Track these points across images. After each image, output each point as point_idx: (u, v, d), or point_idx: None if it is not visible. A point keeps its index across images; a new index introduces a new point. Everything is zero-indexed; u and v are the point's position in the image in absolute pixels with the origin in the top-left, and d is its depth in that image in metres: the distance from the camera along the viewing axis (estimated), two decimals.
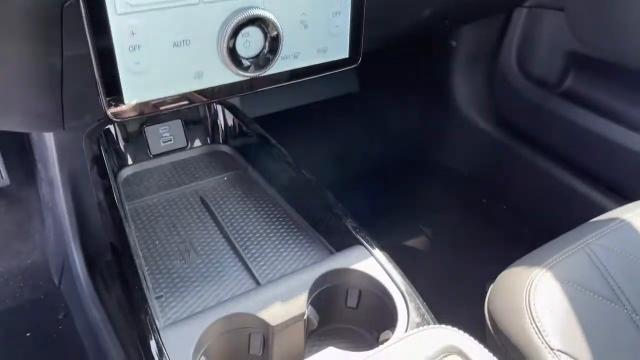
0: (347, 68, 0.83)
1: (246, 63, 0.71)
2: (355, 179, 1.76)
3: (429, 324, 0.74)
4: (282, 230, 0.96)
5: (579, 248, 0.87)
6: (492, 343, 0.80)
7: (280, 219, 0.98)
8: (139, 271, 0.79)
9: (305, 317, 0.79)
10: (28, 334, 1.26)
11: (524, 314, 0.76)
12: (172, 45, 0.67)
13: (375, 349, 0.62)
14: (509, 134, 1.66)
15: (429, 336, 0.63)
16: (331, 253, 0.91)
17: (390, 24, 1.18)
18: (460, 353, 0.61)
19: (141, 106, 0.68)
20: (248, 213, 0.99)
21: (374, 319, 0.84)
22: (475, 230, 1.64)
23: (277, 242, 0.93)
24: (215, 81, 0.71)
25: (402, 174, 1.84)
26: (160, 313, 0.81)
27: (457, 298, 1.28)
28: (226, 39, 0.68)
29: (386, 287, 0.81)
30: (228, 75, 0.71)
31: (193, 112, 1.11)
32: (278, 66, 0.75)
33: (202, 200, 1.02)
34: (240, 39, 0.70)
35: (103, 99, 0.66)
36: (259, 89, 0.76)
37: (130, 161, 1.07)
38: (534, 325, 0.74)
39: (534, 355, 0.71)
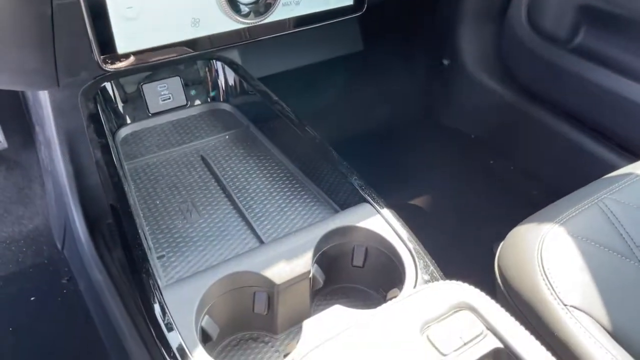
0: (351, 16, 0.79)
1: (245, 9, 0.67)
2: (359, 140, 1.73)
3: (437, 281, 0.72)
4: (285, 189, 0.93)
5: (592, 203, 0.84)
6: (502, 300, 0.79)
7: (284, 178, 0.95)
8: (139, 230, 0.77)
9: (310, 275, 0.77)
10: (32, 299, 1.25)
11: (535, 269, 0.74)
12: None
13: (383, 305, 0.60)
14: (517, 92, 1.62)
15: (439, 292, 0.61)
16: (336, 211, 0.89)
17: None
18: (471, 308, 0.59)
19: (135, 55, 0.65)
20: (250, 172, 0.96)
21: (381, 277, 0.82)
22: (482, 191, 1.61)
23: (280, 201, 0.91)
24: (213, 29, 0.68)
25: (407, 134, 1.80)
26: (163, 273, 0.79)
27: (465, 258, 1.26)
28: None
29: (393, 245, 0.79)
30: (226, 23, 0.68)
31: (192, 69, 1.07)
32: (279, 13, 0.71)
33: (203, 159, 0.99)
34: None
35: (95, 47, 0.62)
36: (259, 38, 0.72)
37: (128, 120, 1.04)
38: (546, 281, 0.72)
39: (546, 311, 0.70)
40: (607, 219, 0.81)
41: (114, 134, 1.00)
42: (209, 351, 0.74)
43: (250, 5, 0.68)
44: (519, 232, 0.83)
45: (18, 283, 1.28)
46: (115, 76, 0.97)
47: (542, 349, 0.56)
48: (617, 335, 0.67)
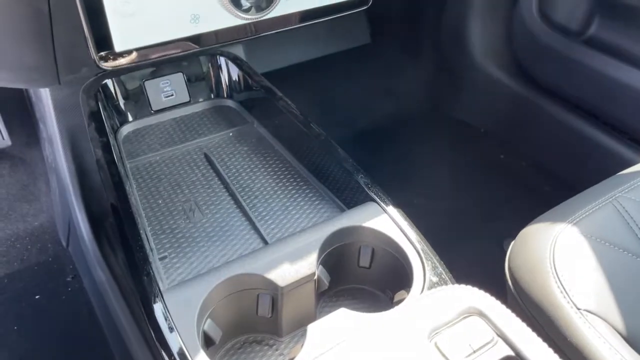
0: (358, 10, 0.77)
1: (246, 4, 0.65)
2: (366, 134, 1.71)
3: (446, 284, 0.69)
4: (290, 188, 0.91)
5: (606, 202, 0.82)
6: (513, 303, 0.76)
7: (289, 176, 0.93)
8: (141, 231, 0.75)
9: (315, 277, 0.75)
10: (37, 297, 1.25)
11: (547, 271, 0.72)
12: None
13: (391, 310, 0.58)
14: (528, 85, 1.58)
15: (448, 297, 0.59)
16: (342, 210, 0.87)
17: None
18: (480, 314, 0.57)
19: (133, 53, 0.63)
20: (255, 170, 0.95)
21: (388, 278, 0.80)
22: (492, 187, 1.58)
23: (285, 200, 0.89)
24: (213, 25, 0.66)
25: (415, 128, 1.78)
26: (165, 274, 0.78)
27: (474, 257, 1.24)
28: None
29: (400, 246, 0.77)
30: (226, 19, 0.65)
31: (195, 65, 1.05)
32: (281, 8, 0.69)
33: (207, 157, 0.97)
34: None
35: (91, 45, 0.60)
36: (262, 34, 0.70)
37: (130, 118, 1.02)
38: (558, 283, 0.70)
39: (558, 315, 0.67)
40: (622, 218, 0.79)
41: (115, 131, 0.98)
42: (212, 355, 0.73)
43: (251, 0, 0.66)
44: (530, 231, 0.81)
45: (23, 281, 1.28)
46: (117, 73, 0.96)
47: (555, 356, 0.54)
48: (632, 341, 0.65)
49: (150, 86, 1.02)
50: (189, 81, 1.06)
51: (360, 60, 1.82)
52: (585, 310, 0.67)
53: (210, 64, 1.07)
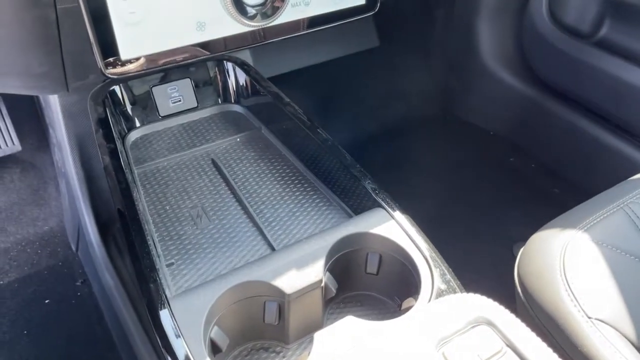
0: (364, 16, 0.76)
1: (252, 11, 0.65)
2: (375, 137, 1.70)
3: (454, 292, 0.69)
4: (297, 193, 0.91)
5: (617, 208, 0.80)
6: (522, 311, 0.75)
7: (296, 182, 0.93)
8: (148, 238, 0.75)
9: (322, 284, 0.75)
10: (47, 301, 1.25)
11: (557, 279, 0.71)
12: None
13: (398, 318, 0.58)
14: (538, 87, 1.57)
15: (456, 305, 0.58)
16: (349, 216, 0.86)
17: None
18: (489, 323, 0.56)
19: (139, 60, 0.63)
20: (262, 176, 0.94)
21: (395, 285, 0.79)
22: (502, 190, 1.57)
23: (292, 206, 0.89)
24: (219, 32, 0.66)
25: (424, 131, 1.77)
26: (172, 281, 0.78)
27: (484, 262, 1.23)
28: None
29: (408, 252, 0.76)
30: (232, 26, 0.65)
31: (202, 70, 1.05)
32: (287, 15, 0.68)
33: (214, 163, 0.97)
34: None
35: (97, 54, 0.60)
36: (267, 41, 0.70)
37: (138, 123, 1.02)
38: (569, 291, 0.69)
39: (569, 324, 0.66)
40: (633, 224, 0.78)
41: (123, 137, 0.99)
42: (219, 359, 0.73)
43: (257, 8, 0.66)
44: (540, 238, 0.80)
45: (33, 285, 1.28)
46: (125, 79, 0.96)
47: None
48: None
49: (158, 92, 1.02)
50: (197, 87, 1.06)
51: (368, 64, 1.82)
52: (596, 319, 0.66)
53: (217, 70, 1.07)
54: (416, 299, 0.71)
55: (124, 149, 0.96)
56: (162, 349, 0.66)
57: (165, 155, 0.97)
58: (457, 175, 1.63)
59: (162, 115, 1.03)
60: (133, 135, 1.01)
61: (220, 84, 1.08)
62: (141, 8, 0.59)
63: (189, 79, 1.04)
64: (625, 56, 1.33)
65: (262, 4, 0.66)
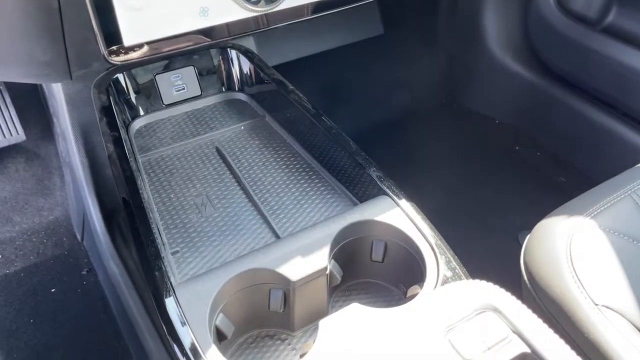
0: (368, 1, 0.75)
1: None
2: (379, 126, 1.69)
3: (460, 279, 0.68)
4: (302, 181, 0.91)
5: (625, 194, 0.80)
6: (528, 298, 0.75)
7: (301, 170, 0.93)
8: (153, 226, 0.75)
9: (327, 271, 0.75)
10: (53, 290, 1.26)
11: (564, 266, 0.70)
12: None
13: (404, 305, 0.57)
14: (544, 75, 1.55)
15: (462, 292, 0.58)
16: (354, 204, 0.86)
17: None
18: (495, 310, 0.56)
19: (143, 47, 0.62)
20: (266, 164, 0.94)
21: (401, 273, 0.79)
22: (507, 179, 1.56)
23: (297, 194, 0.88)
24: (223, 18, 0.65)
25: (429, 120, 1.76)
26: (177, 269, 0.78)
27: (489, 250, 1.23)
28: None
29: (413, 240, 0.76)
30: (236, 11, 0.65)
31: (206, 58, 1.05)
32: (291, 0, 0.68)
33: (218, 151, 0.97)
34: None
35: (100, 40, 0.60)
36: (273, 26, 0.69)
37: (142, 112, 1.02)
38: (575, 278, 0.68)
39: (575, 311, 0.66)
40: None
41: (127, 125, 0.98)
42: (224, 349, 0.73)
43: None
44: (546, 225, 0.79)
45: (39, 275, 1.29)
46: (128, 67, 0.95)
47: (572, 353, 0.53)
48: None
49: (162, 80, 1.01)
50: (200, 75, 1.05)
51: (373, 52, 1.80)
52: (603, 305, 0.65)
53: (221, 57, 1.06)
54: (421, 287, 0.71)
55: (128, 137, 0.95)
56: (168, 337, 0.66)
57: (170, 144, 0.97)
58: (462, 164, 1.62)
59: (165, 103, 1.03)
60: (137, 124, 1.01)
61: (224, 72, 1.07)
62: None
63: (192, 67, 1.04)
64: (633, 43, 1.32)
65: None
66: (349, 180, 0.88)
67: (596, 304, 0.65)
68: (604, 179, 0.87)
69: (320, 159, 0.93)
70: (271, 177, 0.91)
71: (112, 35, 0.60)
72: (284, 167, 0.93)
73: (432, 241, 0.75)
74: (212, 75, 1.07)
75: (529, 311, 0.56)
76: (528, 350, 0.53)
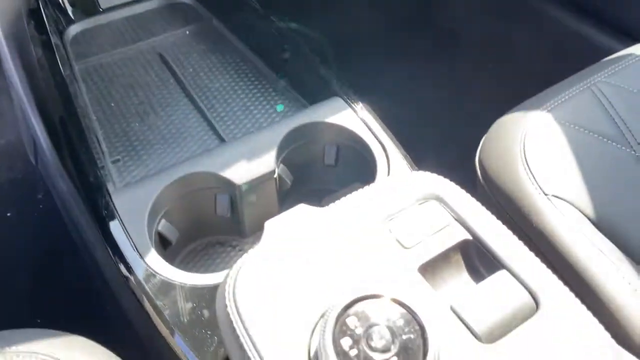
0: None
1: None
2: (344, 41, 1.62)
3: (403, 173, 0.66)
4: (251, 86, 0.86)
5: (585, 87, 0.77)
6: (482, 194, 0.73)
7: (249, 74, 0.88)
8: (90, 134, 0.71)
9: (275, 175, 0.72)
10: (9, 214, 1.22)
11: (517, 159, 0.68)
12: None
13: (342, 198, 0.55)
14: None
15: (405, 183, 0.55)
16: (305, 107, 0.82)
17: None
18: (438, 199, 0.54)
19: None
20: (213, 69, 0.89)
21: (354, 176, 0.77)
22: (469, 85, 1.52)
23: (245, 100, 0.84)
24: None
25: (395, 35, 1.68)
26: (118, 177, 0.74)
27: (450, 158, 1.20)
28: None
29: (365, 140, 0.73)
30: None
31: None
32: None
33: (161, 57, 0.91)
34: None
35: None
36: None
37: (78, 17, 0.94)
38: (527, 170, 0.66)
39: (526, 202, 0.64)
40: (599, 103, 0.74)
41: (61, 32, 0.91)
42: (172, 257, 0.71)
43: None
44: (503, 122, 0.77)
45: None
46: None
47: (515, 239, 0.51)
48: (603, 226, 0.62)
49: None
50: None
51: None
52: (553, 196, 0.64)
53: None
54: None
55: (62, 44, 0.89)
56: (106, 244, 0.64)
57: (109, 50, 0.91)
58: (425, 75, 1.57)
59: (103, 7, 0.95)
60: (73, 30, 0.93)
61: None
62: None
63: None
64: None
65: None
66: (300, 83, 0.84)
67: (546, 194, 0.64)
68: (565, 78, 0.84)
69: (270, 62, 0.88)
70: (218, 83, 0.86)
71: None
72: (231, 72, 0.88)
73: (384, 140, 0.72)
74: None
75: (473, 199, 0.54)
76: (470, 237, 0.51)
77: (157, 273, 0.59)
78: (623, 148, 0.69)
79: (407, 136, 0.79)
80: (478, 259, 0.51)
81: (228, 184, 0.69)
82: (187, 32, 0.95)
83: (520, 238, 0.51)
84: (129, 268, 0.60)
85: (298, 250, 0.50)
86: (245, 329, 0.45)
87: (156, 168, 0.75)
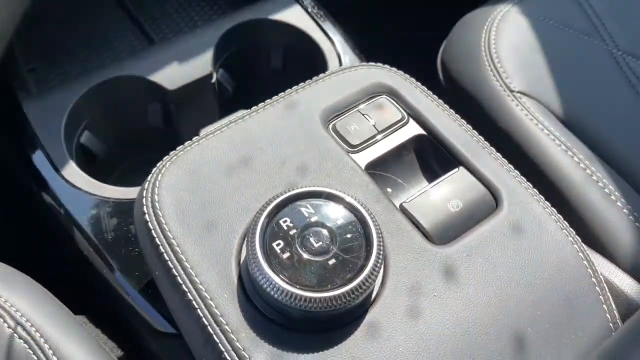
0: None
1: None
2: None
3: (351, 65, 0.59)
4: None
5: None
6: (446, 97, 0.67)
7: None
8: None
9: (214, 80, 0.64)
10: None
11: (481, 56, 0.62)
12: None
13: (281, 94, 0.48)
14: None
15: (352, 75, 0.48)
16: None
17: None
18: (391, 92, 0.47)
19: None
20: None
21: (302, 81, 0.69)
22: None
23: None
24: None
25: None
26: (35, 87, 0.65)
27: (410, 63, 1.13)
28: None
29: (315, 39, 0.65)
30: None
31: None
32: None
33: None
34: None
35: None
36: None
37: None
38: (491, 66, 0.60)
39: (489, 99, 0.58)
40: None
41: None
42: (104, 175, 0.64)
43: None
44: (468, 19, 0.69)
45: None
46: None
47: (475, 134, 0.45)
48: (570, 122, 0.57)
49: None
50: None
51: None
52: (518, 92, 0.58)
53: None
54: None
55: None
56: (20, 159, 0.56)
57: None
58: None
59: None
60: None
61: None
62: None
63: None
64: None
65: None
66: None
67: (511, 91, 0.58)
68: None
69: None
70: None
71: None
72: None
73: (335, 38, 0.65)
74: None
75: (430, 93, 0.48)
76: (423, 132, 0.45)
77: (76, 187, 0.52)
78: (596, 42, 0.63)
79: (363, 39, 0.71)
80: (434, 158, 0.46)
81: (159, 90, 0.61)
82: None
83: (485, 139, 0.45)
84: (43, 182, 0.53)
85: (228, 152, 0.43)
86: (166, 238, 0.39)
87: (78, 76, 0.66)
